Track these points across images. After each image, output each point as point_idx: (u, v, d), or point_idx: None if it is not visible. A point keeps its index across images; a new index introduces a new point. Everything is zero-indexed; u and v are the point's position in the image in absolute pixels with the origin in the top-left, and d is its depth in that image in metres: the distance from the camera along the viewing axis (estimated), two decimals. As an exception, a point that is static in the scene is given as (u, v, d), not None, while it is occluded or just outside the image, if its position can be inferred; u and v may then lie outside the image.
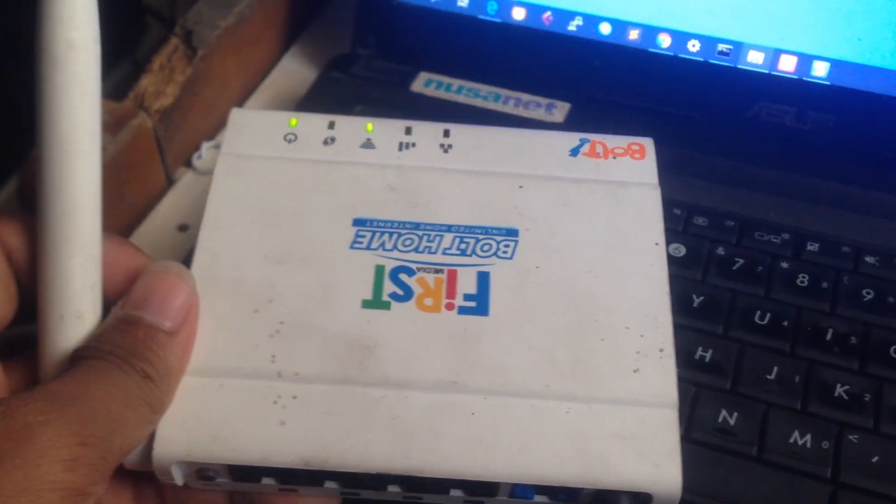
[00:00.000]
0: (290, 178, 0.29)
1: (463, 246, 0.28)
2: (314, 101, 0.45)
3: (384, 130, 0.31)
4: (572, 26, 0.44)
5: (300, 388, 0.25)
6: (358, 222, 0.28)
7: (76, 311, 0.24)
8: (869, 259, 0.37)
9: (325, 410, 0.25)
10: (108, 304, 0.25)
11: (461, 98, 0.45)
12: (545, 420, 0.25)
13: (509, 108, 0.45)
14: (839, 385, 0.33)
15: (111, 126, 0.40)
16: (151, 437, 0.24)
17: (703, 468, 0.31)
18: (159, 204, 0.44)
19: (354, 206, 0.29)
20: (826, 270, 0.37)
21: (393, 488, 0.25)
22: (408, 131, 0.31)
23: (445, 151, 0.30)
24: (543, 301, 0.27)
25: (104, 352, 0.23)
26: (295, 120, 0.31)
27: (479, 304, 0.27)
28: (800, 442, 0.32)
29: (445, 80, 0.46)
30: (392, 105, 0.44)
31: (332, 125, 0.31)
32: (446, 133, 0.31)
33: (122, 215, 0.43)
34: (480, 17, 0.45)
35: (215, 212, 0.29)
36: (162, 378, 0.23)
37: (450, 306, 0.27)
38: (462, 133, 0.31)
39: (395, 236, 0.28)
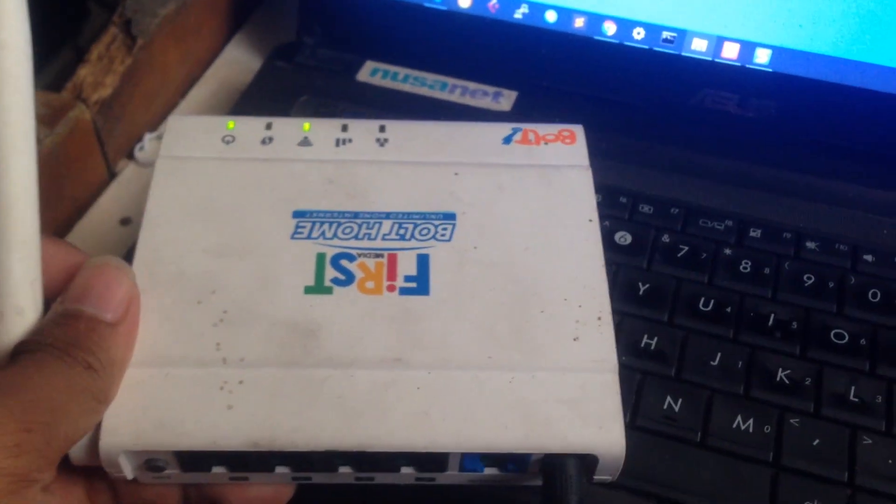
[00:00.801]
0: (228, 176, 0.30)
1: (402, 231, 0.29)
2: (258, 90, 0.45)
3: (321, 128, 0.31)
4: (518, 14, 0.44)
5: (246, 372, 0.25)
6: (298, 214, 0.29)
7: (16, 307, 0.24)
8: (810, 245, 0.38)
9: (272, 393, 0.25)
10: (48, 302, 0.25)
11: (407, 87, 0.45)
12: (489, 390, 0.25)
13: (456, 97, 0.44)
14: (780, 370, 0.34)
15: (48, 119, 0.39)
16: (97, 429, 0.24)
17: (649, 454, 0.32)
18: (101, 197, 0.43)
19: (294, 200, 0.29)
20: (768, 256, 0.37)
21: (344, 469, 0.25)
22: (344, 128, 0.31)
23: (381, 145, 0.31)
24: (482, 279, 0.28)
25: (46, 344, 0.23)
26: (232, 123, 0.31)
27: (420, 284, 0.27)
28: (742, 427, 0.32)
29: (391, 68, 0.46)
30: (337, 94, 0.44)
31: (269, 126, 0.31)
32: (382, 128, 0.31)
33: (62, 209, 0.42)
34: (426, 4, 0.45)
35: (155, 210, 0.29)
36: (105, 368, 0.23)
37: (391, 288, 0.27)
38: (397, 128, 0.32)
39: (334, 225, 0.29)
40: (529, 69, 0.45)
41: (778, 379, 0.34)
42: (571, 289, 0.27)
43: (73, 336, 0.23)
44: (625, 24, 0.43)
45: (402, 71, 0.45)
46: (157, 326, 0.26)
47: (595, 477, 0.26)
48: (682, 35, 0.43)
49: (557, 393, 0.25)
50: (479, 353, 0.26)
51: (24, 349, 0.23)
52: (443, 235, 0.29)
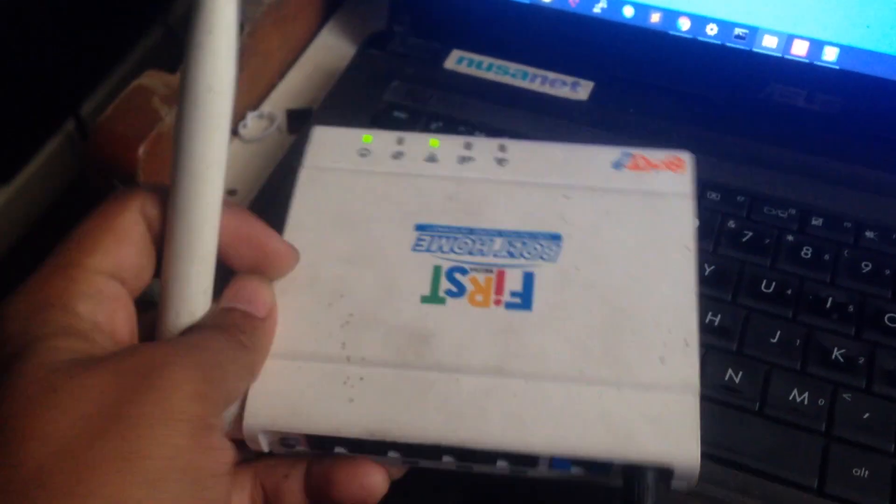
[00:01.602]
0: (362, 189, 0.33)
1: (512, 249, 0.31)
2: (353, 75, 0.48)
3: (446, 145, 0.34)
4: (597, 8, 0.47)
5: (366, 370, 0.29)
6: (420, 227, 0.32)
7: (190, 311, 0.27)
8: (869, 234, 0.40)
9: (387, 391, 0.28)
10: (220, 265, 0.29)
11: (491, 75, 0.48)
12: (579, 401, 0.28)
13: (536, 86, 0.47)
14: (836, 349, 0.36)
15: (167, 98, 0.43)
16: (242, 409, 0.28)
17: (710, 421, 0.34)
18: (208, 170, 0.47)
19: (418, 213, 0.32)
20: (828, 244, 0.40)
21: (447, 458, 0.28)
22: (468, 146, 0.34)
23: (501, 164, 0.33)
24: (581, 299, 0.30)
25: (211, 324, 0.27)
26: (369, 137, 0.34)
27: (524, 300, 0.30)
28: (798, 399, 0.35)
29: (476, 57, 0.49)
30: (426, 81, 0.47)
31: (400, 141, 0.34)
32: (502, 148, 0.34)
33: (174, 180, 0.46)
34: (511, -2, 0.48)
35: (297, 217, 0.32)
36: (255, 348, 0.28)
37: (497, 302, 0.30)
38: (516, 147, 0.34)
39: (451, 240, 0.31)
40: (606, 61, 0.47)
41: (833, 357, 0.36)
42: (663, 313, 0.29)
43: (231, 321, 0.27)
44: (699, 21, 0.46)
45: (486, 60, 0.48)
46: (293, 324, 0.29)
47: (673, 485, 0.28)
48: (754, 32, 0.45)
49: (641, 408, 0.28)
50: (573, 367, 0.28)
51: (194, 327, 0.27)
52: (548, 255, 0.31)
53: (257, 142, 0.49)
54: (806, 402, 0.35)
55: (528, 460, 0.28)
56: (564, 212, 0.32)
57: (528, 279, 0.30)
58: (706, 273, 0.39)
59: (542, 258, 0.31)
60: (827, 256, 0.40)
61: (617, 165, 0.33)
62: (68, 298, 0.25)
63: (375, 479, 0.28)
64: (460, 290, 0.30)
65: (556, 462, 0.28)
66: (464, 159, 0.34)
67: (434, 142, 0.34)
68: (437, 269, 0.31)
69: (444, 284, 0.30)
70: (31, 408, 0.22)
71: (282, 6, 0.50)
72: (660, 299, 0.30)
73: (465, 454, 0.28)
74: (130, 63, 0.57)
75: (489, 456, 0.28)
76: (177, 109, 0.26)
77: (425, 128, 0.45)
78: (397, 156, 0.34)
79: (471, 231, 0.32)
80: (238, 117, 0.49)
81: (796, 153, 0.44)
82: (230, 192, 0.47)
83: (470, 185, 0.33)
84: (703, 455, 0.34)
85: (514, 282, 0.30)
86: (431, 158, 0.34)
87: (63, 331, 0.24)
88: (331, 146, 0.34)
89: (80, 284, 0.26)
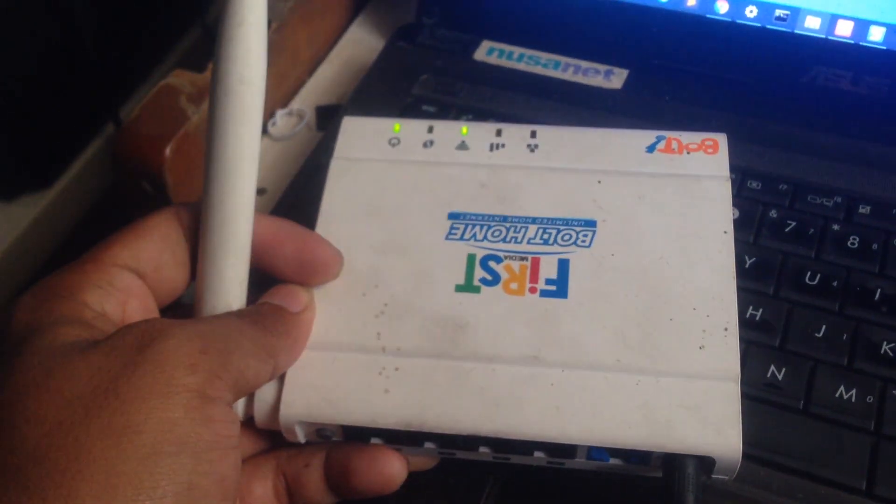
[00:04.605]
0: (393, 178, 0.33)
1: (545, 236, 0.31)
2: (383, 69, 0.48)
3: (476, 133, 0.34)
4: (631, -6, 0.46)
5: (401, 361, 0.28)
6: (452, 216, 0.31)
7: (227, 303, 0.28)
8: (919, 222, 0.38)
9: (423, 381, 0.28)
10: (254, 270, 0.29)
11: (522, 66, 0.47)
12: (617, 391, 0.27)
13: (569, 76, 0.46)
14: (885, 343, 0.35)
15: (194, 97, 0.43)
16: (278, 402, 0.28)
17: (752, 420, 0.33)
18: (238, 169, 0.47)
19: (450, 202, 0.32)
20: (876, 232, 0.38)
21: (483, 449, 0.28)
22: (498, 133, 0.34)
23: (532, 151, 0.33)
24: (617, 285, 0.29)
25: (236, 312, 0.27)
26: (398, 126, 0.34)
27: (559, 287, 0.29)
28: (845, 396, 0.34)
29: (507, 48, 0.48)
30: (456, 73, 0.46)
31: (430, 129, 0.34)
32: (533, 134, 0.33)
33: (204, 180, 0.45)
34: (541, -15, 0.47)
35: (329, 208, 0.32)
36: (282, 336, 0.27)
37: (533, 290, 0.29)
38: (547, 133, 0.33)
39: (485, 228, 0.31)
40: (641, 48, 0.46)
41: (882, 351, 0.35)
42: (701, 299, 0.29)
43: (256, 309, 0.28)
44: (737, 2, 0.44)
45: (517, 50, 0.47)
46: (328, 315, 0.29)
47: (713, 475, 0.27)
48: (796, 13, 0.43)
49: (681, 397, 0.27)
50: (610, 356, 0.28)
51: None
52: (583, 241, 0.30)
53: (287, 139, 0.48)
54: (853, 399, 0.34)
55: (566, 451, 0.27)
56: (598, 197, 0.31)
57: (563, 266, 0.30)
58: (747, 266, 0.37)
59: (576, 244, 0.30)
60: (875, 246, 0.38)
61: (650, 149, 0.33)
62: (77, 289, 0.25)
63: (393, 467, 0.28)
64: (495, 279, 0.30)
65: (594, 452, 0.27)
66: (495, 146, 0.33)
67: (465, 129, 0.34)
68: (471, 258, 0.30)
69: (479, 273, 0.30)
70: (26, 392, 0.22)
71: (309, 2, 0.49)
72: (698, 285, 0.29)
73: (502, 444, 0.27)
74: (169, 65, 0.57)
75: (526, 446, 0.27)
76: (209, 103, 0.27)
77: (456, 119, 0.44)
78: (428, 144, 0.33)
79: (504, 219, 0.31)
80: (267, 115, 0.49)
81: (841, 138, 0.42)
82: (259, 192, 0.46)
83: (502, 171, 0.33)
84: (745, 456, 0.32)
85: (548, 269, 0.30)
86: (462, 146, 0.33)
87: (66, 319, 0.24)
88: (361, 136, 0.34)
89: (90, 276, 0.26)
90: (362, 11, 0.55)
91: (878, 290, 0.36)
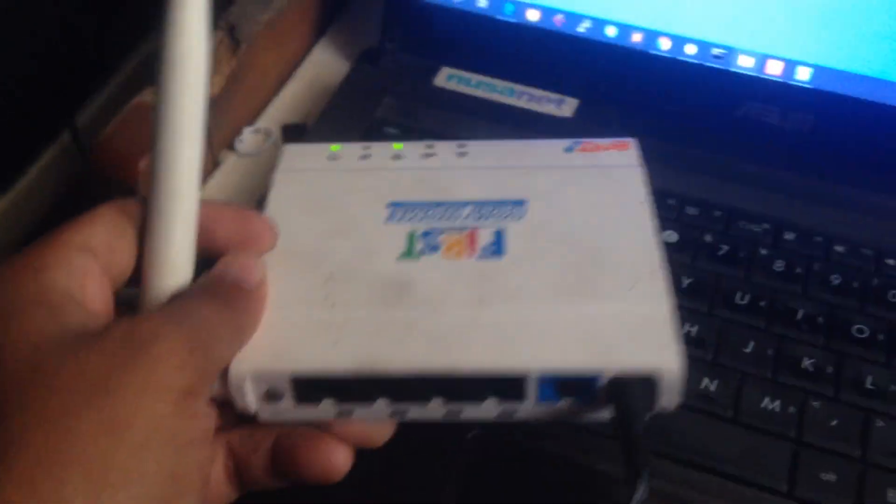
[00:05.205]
0: (333, 181, 0.35)
1: (480, 214, 0.33)
2: (347, 91, 0.50)
3: (409, 147, 0.37)
4: (581, 28, 0.49)
5: (350, 313, 0.30)
6: (391, 205, 0.34)
7: (174, 272, 0.28)
8: (838, 248, 0.42)
9: (372, 329, 0.29)
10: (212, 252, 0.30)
11: (479, 92, 0.50)
12: (559, 322, 0.29)
13: (522, 103, 0.49)
14: (806, 358, 0.38)
15: (167, 115, 0.45)
16: (225, 374, 0.28)
17: (687, 427, 0.36)
18: (206, 185, 0.49)
19: (388, 195, 0.34)
20: (800, 257, 0.42)
21: (435, 403, 0.29)
22: (429, 146, 0.37)
23: (461, 157, 0.36)
24: (551, 245, 0.32)
25: (198, 287, 0.28)
26: (337, 146, 0.37)
27: (497, 250, 0.32)
28: (770, 406, 0.37)
29: (465, 74, 0.50)
30: (417, 98, 0.49)
31: (366, 147, 0.37)
32: (461, 146, 0.37)
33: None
34: (498, 17, 0.50)
35: (273, 208, 0.34)
36: (245, 311, 0.28)
37: (471, 254, 0.32)
38: (474, 144, 0.37)
39: (423, 211, 0.34)
40: (590, 79, 0.49)
41: (803, 366, 0.38)
42: (628, 252, 0.32)
43: (219, 285, 0.28)
44: (678, 41, 0.48)
45: (475, 77, 0.50)
46: (275, 285, 0.30)
47: (658, 403, 0.28)
48: (731, 52, 0.47)
49: (619, 323, 0.29)
50: (550, 295, 0.30)
51: (180, 292, 0.28)
52: (516, 216, 0.33)
53: (253, 156, 0.50)
54: (777, 409, 0.37)
55: (516, 389, 0.28)
56: (525, 184, 0.34)
57: (499, 234, 0.32)
58: (684, 285, 0.41)
59: (510, 218, 0.33)
60: (798, 269, 0.41)
61: (568, 150, 0.36)
62: (40, 269, 0.26)
63: (338, 456, 0.29)
64: (435, 248, 0.32)
65: (543, 392, 0.28)
66: (427, 155, 0.36)
67: (398, 145, 0.37)
68: (411, 234, 0.32)
69: (419, 244, 0.32)
70: (14, 386, 0.23)
71: (277, 24, 0.51)
72: (623, 243, 0.32)
73: (453, 390, 0.29)
74: (125, 74, 0.58)
75: (477, 390, 0.29)
76: (155, 76, 0.27)
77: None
78: (364, 157, 0.36)
79: (440, 204, 0.34)
80: (234, 132, 0.51)
81: (771, 169, 0.46)
82: (227, 206, 0.48)
83: (435, 171, 0.35)
84: (679, 460, 0.36)
85: (485, 237, 0.32)
86: (396, 157, 0.36)
87: (35, 300, 0.25)
88: (301, 155, 0.36)
89: (49, 257, 0.26)
90: (325, 34, 0.57)
91: (800, 310, 0.40)
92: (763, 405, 0.37)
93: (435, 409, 0.29)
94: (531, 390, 0.29)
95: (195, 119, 0.28)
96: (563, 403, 0.29)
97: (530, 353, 0.28)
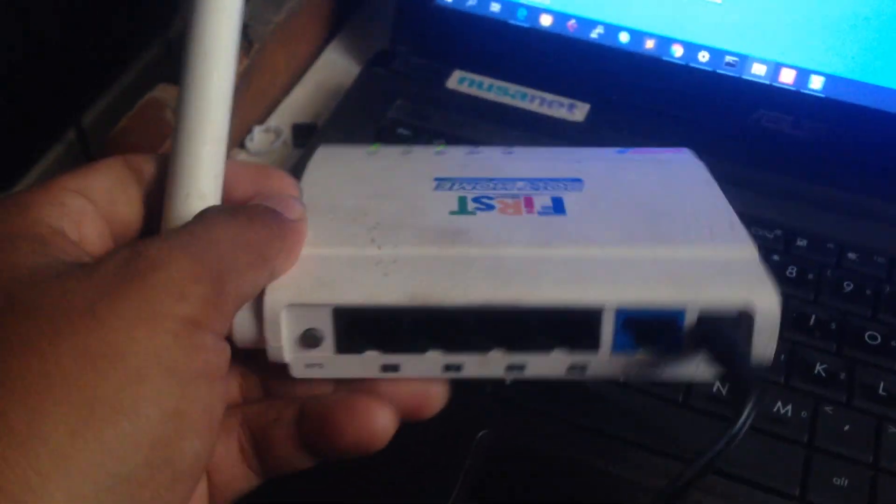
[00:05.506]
0: (377, 162, 0.33)
1: (535, 187, 0.30)
2: (358, 93, 0.50)
3: (453, 148, 0.35)
4: (594, 34, 0.49)
5: (400, 253, 0.26)
6: (439, 179, 0.31)
7: (200, 192, 0.25)
8: (851, 255, 0.42)
9: (426, 266, 0.26)
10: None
11: (491, 95, 0.50)
12: (637, 260, 0.26)
13: (534, 107, 0.49)
14: (818, 364, 0.38)
15: (179, 111, 0.45)
16: (260, 299, 0.25)
17: (700, 431, 0.36)
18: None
19: (435, 172, 0.32)
20: (812, 264, 0.42)
21: (495, 354, 0.25)
22: (473, 148, 0.35)
23: (508, 155, 0.34)
24: (615, 209, 0.29)
25: (222, 208, 0.25)
26: (375, 146, 0.35)
27: (557, 209, 0.29)
28: (782, 412, 0.37)
29: (477, 78, 0.50)
30: (429, 100, 0.49)
31: (408, 147, 0.35)
32: (507, 150, 0.35)
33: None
34: (511, 21, 0.50)
35: (309, 178, 0.31)
36: (277, 238, 0.25)
37: (530, 211, 0.29)
38: (521, 149, 0.35)
39: (472, 183, 0.31)
40: (602, 84, 0.49)
41: (815, 372, 0.38)
42: (702, 211, 0.29)
43: (248, 207, 0.25)
44: (691, 48, 0.48)
45: (487, 80, 0.50)
46: (317, 230, 0.27)
47: (753, 347, 0.25)
48: (744, 60, 0.47)
49: (704, 262, 0.25)
50: (625, 239, 0.27)
51: (203, 211, 0.25)
52: (574, 189, 0.30)
53: (264, 155, 0.50)
54: (789, 414, 0.37)
55: (588, 333, 0.25)
56: (580, 168, 0.32)
57: (558, 199, 0.29)
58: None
59: (567, 189, 0.30)
60: (811, 276, 0.41)
61: (621, 152, 0.35)
62: (31, 206, 0.24)
63: (379, 419, 0.25)
64: (490, 207, 0.29)
65: (619, 339, 0.25)
66: (472, 153, 0.34)
67: (440, 147, 0.35)
68: (462, 198, 0.29)
69: (472, 205, 0.29)
70: None
71: (288, 25, 0.51)
72: (695, 206, 0.29)
73: (516, 337, 0.25)
74: (131, 75, 0.58)
75: (543, 337, 0.25)
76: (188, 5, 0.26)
77: (428, 144, 0.47)
78: (407, 152, 0.34)
79: (491, 180, 0.31)
80: (245, 131, 0.51)
81: (782, 177, 0.46)
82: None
83: (483, 159, 0.33)
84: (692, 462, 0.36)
85: (543, 201, 0.29)
86: (440, 153, 0.34)
87: (19, 233, 0.23)
88: (337, 153, 0.34)
89: (41, 196, 0.24)
90: (337, 36, 0.57)
91: (813, 316, 0.40)
92: (776, 410, 0.37)
93: (495, 363, 0.26)
94: (606, 334, 0.25)
95: (228, 40, 0.26)
96: (642, 354, 0.25)
97: (605, 286, 0.25)
